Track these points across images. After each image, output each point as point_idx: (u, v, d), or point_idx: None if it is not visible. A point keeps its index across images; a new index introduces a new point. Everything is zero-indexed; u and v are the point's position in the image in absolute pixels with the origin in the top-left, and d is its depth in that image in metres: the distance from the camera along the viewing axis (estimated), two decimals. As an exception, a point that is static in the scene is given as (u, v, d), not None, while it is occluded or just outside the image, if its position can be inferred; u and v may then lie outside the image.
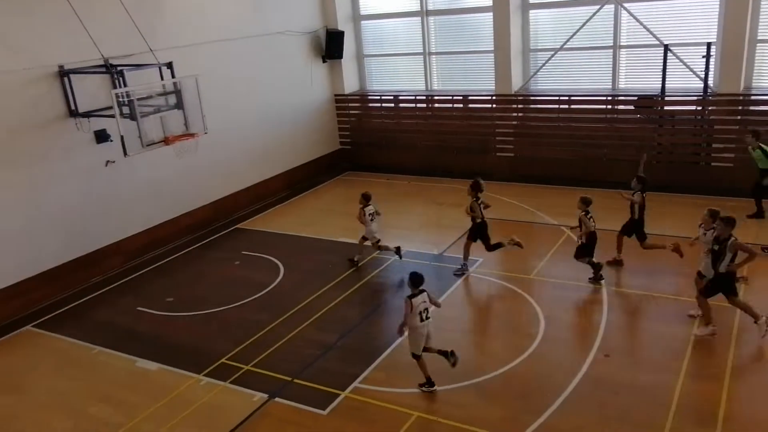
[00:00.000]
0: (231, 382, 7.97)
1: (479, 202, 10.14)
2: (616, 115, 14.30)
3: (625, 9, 13.94)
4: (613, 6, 14.05)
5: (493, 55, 15.26)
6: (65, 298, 10.83)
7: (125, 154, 10.04)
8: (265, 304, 9.98)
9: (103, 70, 10.72)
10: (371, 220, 10.78)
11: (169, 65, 10.74)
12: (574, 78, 15.13)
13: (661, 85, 13.50)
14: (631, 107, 14.20)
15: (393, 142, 16.89)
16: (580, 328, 8.72)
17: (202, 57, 12.90)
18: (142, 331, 9.59)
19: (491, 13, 14.95)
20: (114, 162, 11.44)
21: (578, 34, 14.51)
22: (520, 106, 15.45)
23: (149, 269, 11.89)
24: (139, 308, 10.27)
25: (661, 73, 13.41)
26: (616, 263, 10.18)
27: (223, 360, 8.48)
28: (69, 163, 10.94)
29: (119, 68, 10.57)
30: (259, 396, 7.63)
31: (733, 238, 7.70)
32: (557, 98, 14.77)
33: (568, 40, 14.68)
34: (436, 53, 16.68)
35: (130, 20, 10.74)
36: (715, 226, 8.04)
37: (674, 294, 9.26)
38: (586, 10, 14.30)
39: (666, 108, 13.84)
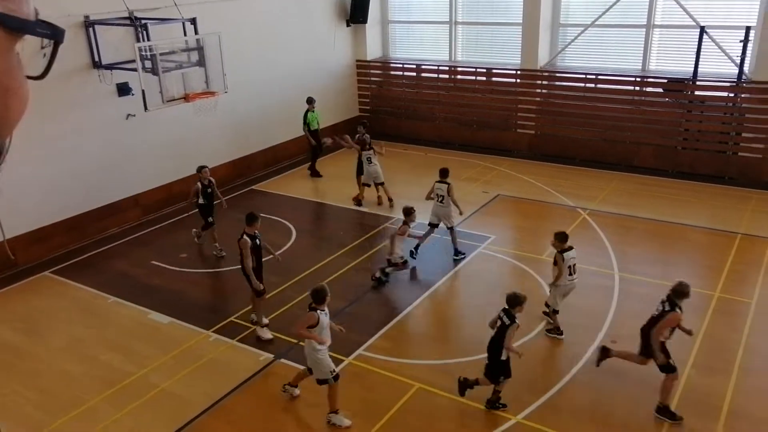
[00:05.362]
0: (239, 341, 8.12)
1: None
2: (643, 98, 13.97)
3: (662, -13, 13.51)
4: (649, -17, 13.63)
5: (520, 27, 14.94)
6: (83, 247, 11.02)
7: (146, 108, 10.07)
8: (275, 267, 10.00)
9: (128, 22, 10.67)
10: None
11: (193, 21, 10.67)
12: (603, 56, 14.79)
13: (693, 69, 13.12)
14: (660, 90, 13.87)
15: (412, 112, 16.71)
16: (588, 312, 8.68)
17: (225, 14, 12.77)
18: (156, 284, 9.75)
19: (523, -15, 14.60)
20: (134, 116, 11.47)
21: (611, 10, 14.13)
22: (545, 82, 15.16)
23: (165, 224, 12.03)
24: (154, 262, 10.42)
25: (694, 57, 13.03)
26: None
27: (232, 318, 8.62)
28: (91, 115, 11.00)
29: (143, 21, 10.52)
30: (266, 356, 7.78)
31: None
32: (584, 76, 14.45)
33: (600, 16, 14.29)
34: (463, 23, 16.35)
35: (156, -27, 10.65)
36: None
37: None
38: (621, -14, 13.91)
39: (697, 93, 13.51)
